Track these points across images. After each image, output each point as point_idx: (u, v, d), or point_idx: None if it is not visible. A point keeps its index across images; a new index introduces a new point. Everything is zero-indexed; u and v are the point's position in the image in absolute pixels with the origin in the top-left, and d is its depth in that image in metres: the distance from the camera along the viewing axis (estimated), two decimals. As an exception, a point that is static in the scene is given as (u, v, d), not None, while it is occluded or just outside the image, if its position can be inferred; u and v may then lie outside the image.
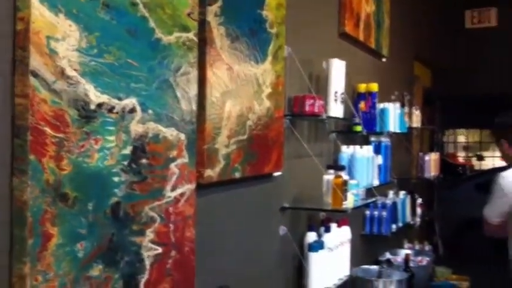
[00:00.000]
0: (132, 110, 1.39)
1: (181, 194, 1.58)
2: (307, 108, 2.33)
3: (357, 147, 2.91)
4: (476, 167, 7.73)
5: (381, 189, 3.30)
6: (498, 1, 6.11)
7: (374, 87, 3.12)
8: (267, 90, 2.10)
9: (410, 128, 4.05)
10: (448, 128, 7.55)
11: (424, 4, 5.23)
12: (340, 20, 3.03)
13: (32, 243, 1.12)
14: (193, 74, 1.62)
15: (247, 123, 1.96)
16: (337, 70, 2.64)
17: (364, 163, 2.91)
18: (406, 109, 3.99)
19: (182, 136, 1.57)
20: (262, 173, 2.12)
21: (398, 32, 4.20)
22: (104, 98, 1.30)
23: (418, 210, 4.14)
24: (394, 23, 3.98)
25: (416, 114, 4.20)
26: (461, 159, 7.83)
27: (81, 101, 1.23)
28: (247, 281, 2.06)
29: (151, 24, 1.45)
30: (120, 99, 1.35)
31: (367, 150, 2.97)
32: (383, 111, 3.27)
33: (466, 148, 8.12)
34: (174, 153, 1.54)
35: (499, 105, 3.41)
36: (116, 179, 1.34)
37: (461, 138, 8.10)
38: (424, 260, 3.76)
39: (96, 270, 1.28)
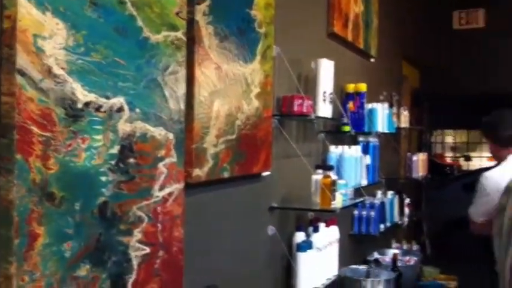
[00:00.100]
0: (120, 109, 1.38)
1: (170, 194, 1.57)
2: (295, 108, 2.33)
3: (346, 147, 2.92)
4: (464, 168, 7.78)
5: (369, 189, 3.31)
6: (486, 2, 6.15)
7: (362, 87, 3.13)
8: (256, 89, 2.10)
9: (398, 128, 4.08)
10: (436, 128, 7.59)
11: (412, 5, 5.26)
12: (329, 20, 3.04)
13: (19, 243, 1.11)
14: (182, 73, 1.62)
15: (235, 122, 1.96)
16: (326, 70, 2.65)
17: (353, 163, 2.92)
18: (395, 109, 4.01)
19: (170, 135, 1.57)
20: (251, 173, 2.12)
21: (386, 32, 4.22)
22: (91, 97, 1.29)
23: (406, 210, 4.16)
24: (382, 24, 4.00)
25: (405, 114, 4.23)
26: (449, 160, 7.87)
27: (68, 99, 1.22)
28: (235, 280, 2.06)
29: (139, 22, 1.44)
30: (107, 98, 1.34)
31: (355, 150, 2.98)
32: (371, 112, 3.28)
33: (454, 148, 8.16)
34: (162, 152, 1.54)
35: (486, 106, 3.43)
36: (103, 178, 1.33)
37: (449, 139, 8.15)
38: (412, 260, 3.78)
39: (83, 270, 1.28)
